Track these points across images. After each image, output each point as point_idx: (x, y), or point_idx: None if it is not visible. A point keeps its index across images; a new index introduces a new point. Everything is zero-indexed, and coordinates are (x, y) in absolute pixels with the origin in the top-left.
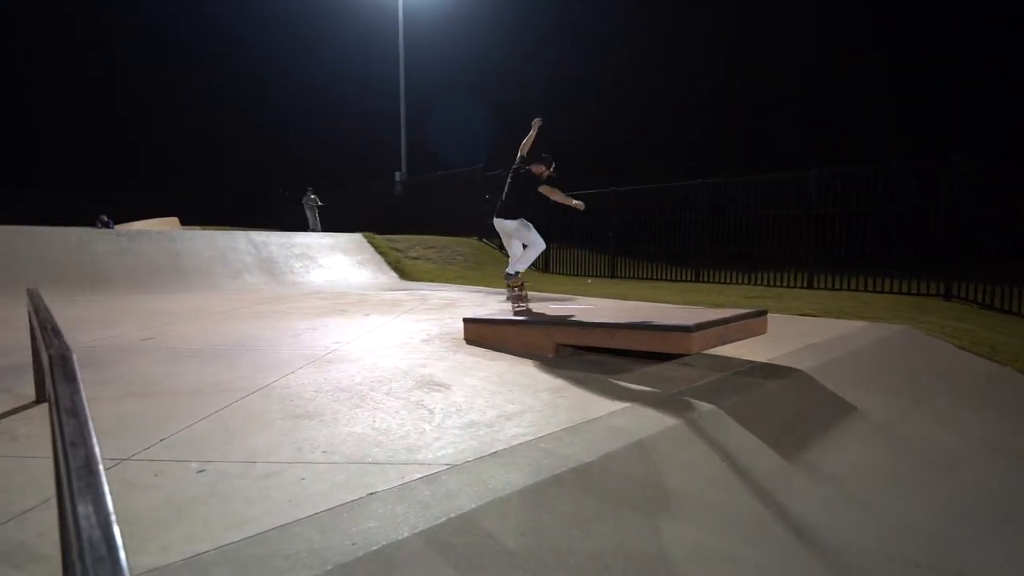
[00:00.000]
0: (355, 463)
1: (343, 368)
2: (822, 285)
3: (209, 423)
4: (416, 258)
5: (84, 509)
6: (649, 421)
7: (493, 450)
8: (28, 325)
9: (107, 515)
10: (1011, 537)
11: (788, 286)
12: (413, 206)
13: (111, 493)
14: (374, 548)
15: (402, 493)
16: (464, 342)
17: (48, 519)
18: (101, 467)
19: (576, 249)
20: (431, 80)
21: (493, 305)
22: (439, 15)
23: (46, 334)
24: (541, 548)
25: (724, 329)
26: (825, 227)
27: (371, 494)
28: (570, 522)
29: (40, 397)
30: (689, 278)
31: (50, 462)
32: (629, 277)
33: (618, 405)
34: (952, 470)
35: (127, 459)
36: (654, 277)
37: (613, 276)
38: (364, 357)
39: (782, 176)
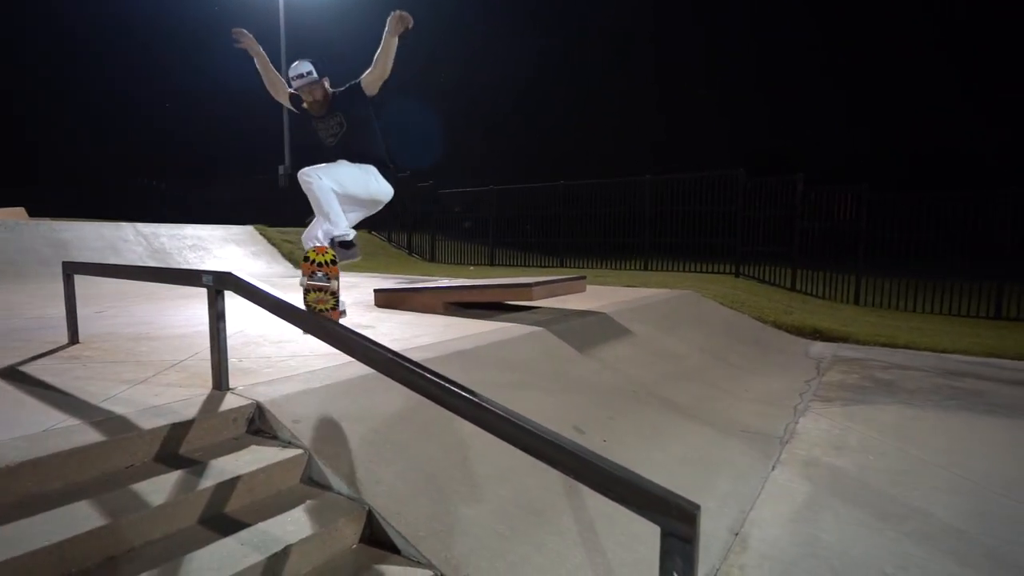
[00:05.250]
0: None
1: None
2: (656, 268)
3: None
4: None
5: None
6: (504, 334)
7: (413, 346)
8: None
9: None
10: (691, 386)
11: (628, 269)
12: (299, 199)
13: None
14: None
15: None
16: (375, 306)
17: (164, 380)
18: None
19: (459, 241)
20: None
21: (390, 285)
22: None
23: (207, 273)
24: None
25: (553, 287)
26: (660, 223)
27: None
28: (463, 369)
29: (73, 340)
30: (554, 264)
31: (126, 365)
32: (507, 265)
33: (486, 328)
34: (674, 359)
35: (188, 359)
36: (527, 264)
37: (493, 264)
38: None
39: (628, 180)
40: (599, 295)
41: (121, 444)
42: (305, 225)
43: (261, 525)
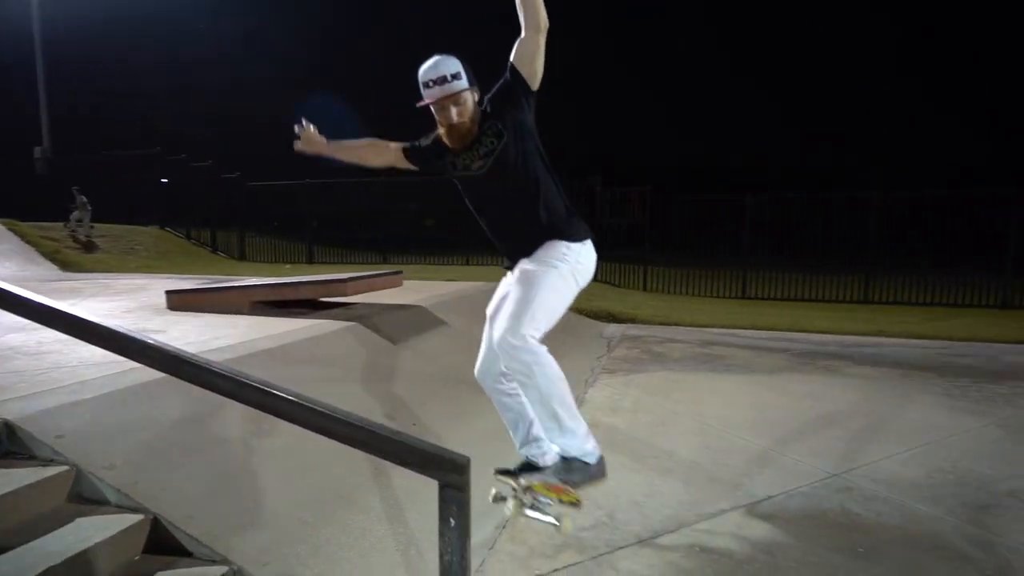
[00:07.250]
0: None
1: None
2: (478, 263)
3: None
4: (80, 247)
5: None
6: (317, 331)
7: (212, 347)
8: None
9: None
10: None
11: (452, 265)
12: (62, 187)
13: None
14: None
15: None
16: (167, 310)
17: None
18: None
19: (273, 238)
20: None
21: (187, 285)
22: None
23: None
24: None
25: (370, 282)
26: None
27: None
28: (267, 368)
29: None
30: (378, 261)
31: None
32: (327, 263)
33: (296, 326)
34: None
35: None
36: (348, 262)
37: (312, 262)
38: None
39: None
40: (418, 289)
41: None
42: (68, 222)
43: (15, 552)
